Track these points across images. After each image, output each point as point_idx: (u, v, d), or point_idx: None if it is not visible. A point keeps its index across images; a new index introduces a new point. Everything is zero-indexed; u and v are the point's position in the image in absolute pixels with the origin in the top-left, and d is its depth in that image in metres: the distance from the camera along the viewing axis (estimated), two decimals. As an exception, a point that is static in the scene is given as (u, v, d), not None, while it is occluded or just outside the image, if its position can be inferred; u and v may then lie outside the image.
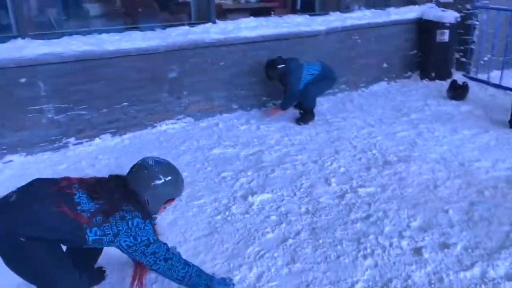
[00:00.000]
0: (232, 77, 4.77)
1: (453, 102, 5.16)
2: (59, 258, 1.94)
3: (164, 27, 4.43)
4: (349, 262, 2.50)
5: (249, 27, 4.68)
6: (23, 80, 3.65)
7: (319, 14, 5.56)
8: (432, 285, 2.31)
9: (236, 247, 2.66)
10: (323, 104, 5.17)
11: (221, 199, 3.20)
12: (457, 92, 5.24)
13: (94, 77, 3.97)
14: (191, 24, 4.61)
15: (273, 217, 2.96)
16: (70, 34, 3.96)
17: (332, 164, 3.69)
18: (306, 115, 4.61)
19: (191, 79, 4.52)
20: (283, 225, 2.87)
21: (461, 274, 2.37)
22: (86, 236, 1.89)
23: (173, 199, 2.17)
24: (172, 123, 4.51)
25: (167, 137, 4.30)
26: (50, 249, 1.89)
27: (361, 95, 5.60)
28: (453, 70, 6.10)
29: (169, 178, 2.08)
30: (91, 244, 1.93)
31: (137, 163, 2.12)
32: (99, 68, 3.96)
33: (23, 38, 3.73)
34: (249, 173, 3.56)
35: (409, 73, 6.21)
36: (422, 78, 6.11)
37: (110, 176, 2.13)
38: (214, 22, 4.67)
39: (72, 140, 4.01)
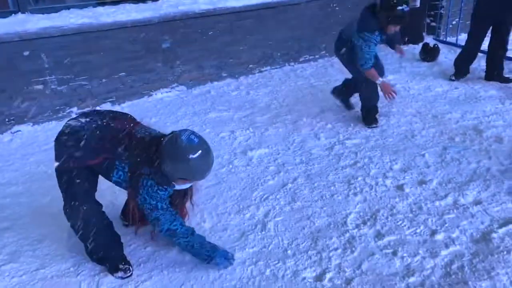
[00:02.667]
0: (221, 46, 5.02)
1: (426, 63, 5.57)
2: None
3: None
4: (342, 199, 2.89)
5: (235, -3, 4.93)
6: (26, 53, 3.84)
7: (299, -16, 5.82)
8: (413, 212, 2.72)
9: (243, 192, 3.01)
10: (306, 69, 5.53)
11: (223, 155, 3.53)
12: (429, 54, 5.64)
13: (92, 49, 4.18)
14: (180, -4, 4.82)
15: (272, 167, 3.32)
16: (68, 8, 4.13)
17: (320, 121, 4.06)
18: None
19: (182, 49, 4.77)
20: (282, 173, 3.24)
21: (437, 203, 2.79)
22: (111, 175, 2.18)
23: (187, 179, 2.12)
24: (166, 92, 4.78)
25: (163, 105, 4.58)
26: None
27: (340, 60, 5.94)
28: (424, 34, 6.50)
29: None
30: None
31: (175, 132, 2.05)
32: (97, 40, 4.17)
33: (23, 12, 3.90)
34: (245, 132, 3.90)
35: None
36: (396, 42, 6.47)
37: (151, 137, 2.14)
38: (201, -7, 4.89)
39: (74, 109, 4.24)
